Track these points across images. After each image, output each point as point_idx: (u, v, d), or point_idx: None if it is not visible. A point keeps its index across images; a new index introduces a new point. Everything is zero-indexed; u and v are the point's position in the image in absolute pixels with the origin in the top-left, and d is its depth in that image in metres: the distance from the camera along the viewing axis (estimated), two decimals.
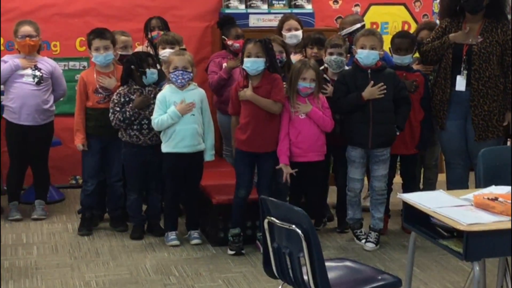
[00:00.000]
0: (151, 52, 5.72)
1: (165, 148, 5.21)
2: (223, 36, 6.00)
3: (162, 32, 5.93)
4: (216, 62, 5.94)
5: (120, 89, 5.34)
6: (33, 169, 5.97)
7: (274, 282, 3.53)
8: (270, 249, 3.29)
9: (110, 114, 5.29)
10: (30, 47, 5.73)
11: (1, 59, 5.78)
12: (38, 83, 5.75)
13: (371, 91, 5.10)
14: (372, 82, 5.11)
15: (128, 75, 5.33)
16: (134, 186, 5.43)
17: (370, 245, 5.22)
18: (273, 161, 5.10)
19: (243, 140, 5.04)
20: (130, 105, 5.26)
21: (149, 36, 5.99)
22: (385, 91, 5.09)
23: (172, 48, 5.58)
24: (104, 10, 6.63)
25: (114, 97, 5.32)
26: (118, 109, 5.28)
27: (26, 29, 5.70)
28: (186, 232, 5.41)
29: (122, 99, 5.29)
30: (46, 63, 5.83)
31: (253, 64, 4.94)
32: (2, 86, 5.84)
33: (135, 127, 5.29)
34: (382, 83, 5.10)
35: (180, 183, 5.27)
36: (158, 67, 5.43)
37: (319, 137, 5.14)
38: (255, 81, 5.01)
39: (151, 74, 5.31)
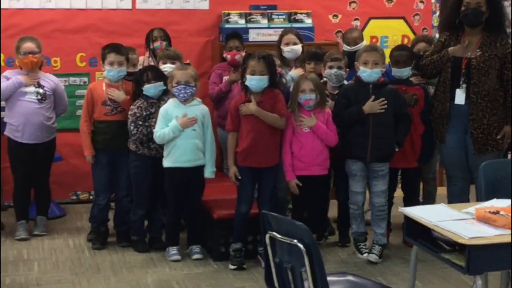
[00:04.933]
0: (152, 63, 5.74)
1: (166, 163, 5.22)
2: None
3: (164, 43, 5.96)
4: (217, 73, 5.98)
5: (139, 102, 5.34)
6: (34, 186, 5.93)
7: None
8: (272, 264, 3.28)
9: (133, 128, 5.28)
10: (32, 63, 5.69)
11: (2, 75, 5.76)
12: (41, 101, 5.70)
13: (372, 105, 5.11)
14: (373, 96, 5.12)
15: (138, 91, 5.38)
16: (142, 201, 5.42)
17: (373, 257, 5.21)
18: (274, 176, 5.11)
19: (246, 156, 5.04)
20: (153, 119, 5.27)
21: (151, 46, 6.01)
22: (385, 106, 5.11)
23: (173, 63, 5.60)
24: (104, 26, 6.64)
25: (136, 110, 5.30)
26: (141, 122, 5.28)
27: (29, 45, 5.67)
28: (188, 247, 5.40)
29: (144, 113, 5.30)
30: (48, 80, 5.80)
31: (258, 82, 4.96)
32: (3, 102, 5.82)
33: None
34: (383, 98, 5.12)
35: (181, 197, 5.27)
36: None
37: (322, 151, 5.16)
38: (257, 96, 5.02)
39: (147, 90, 5.32)
